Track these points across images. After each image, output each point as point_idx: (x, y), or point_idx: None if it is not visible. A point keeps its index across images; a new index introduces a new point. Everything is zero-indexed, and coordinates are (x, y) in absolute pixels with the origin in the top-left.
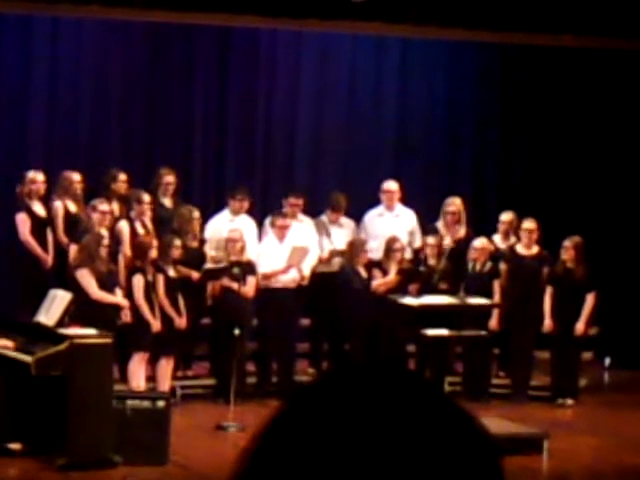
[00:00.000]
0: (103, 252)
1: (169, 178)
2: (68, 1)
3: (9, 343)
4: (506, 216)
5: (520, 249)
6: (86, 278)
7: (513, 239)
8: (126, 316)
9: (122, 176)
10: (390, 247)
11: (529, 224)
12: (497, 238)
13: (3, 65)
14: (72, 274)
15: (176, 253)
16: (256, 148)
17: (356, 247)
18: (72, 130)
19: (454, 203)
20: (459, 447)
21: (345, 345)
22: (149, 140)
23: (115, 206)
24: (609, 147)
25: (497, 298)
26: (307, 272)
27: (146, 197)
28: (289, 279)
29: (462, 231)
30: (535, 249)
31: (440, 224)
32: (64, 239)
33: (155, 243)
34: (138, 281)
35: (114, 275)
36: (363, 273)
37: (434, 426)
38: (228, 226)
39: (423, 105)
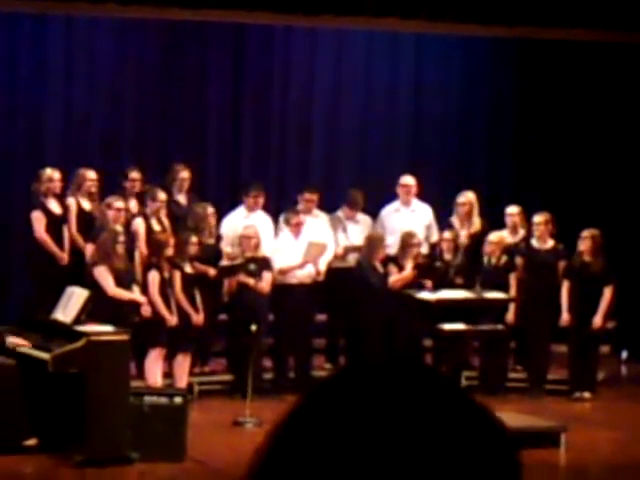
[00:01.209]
0: (120, 249)
1: (184, 174)
2: (83, 0)
3: (25, 342)
4: (512, 209)
5: (535, 243)
6: (103, 275)
7: (522, 232)
8: (146, 312)
9: (134, 174)
10: (406, 242)
11: (538, 218)
12: (505, 232)
13: (19, 64)
14: (89, 271)
15: (193, 250)
16: (271, 144)
17: (375, 242)
18: (88, 128)
19: (466, 196)
20: (476, 442)
21: (362, 340)
22: (164, 137)
23: (132, 203)
24: (624, 140)
25: (513, 292)
26: (323, 268)
27: (162, 195)
28: (305, 275)
29: (476, 225)
30: (550, 243)
31: (454, 218)
32: (77, 236)
33: (171, 240)
34: (153, 277)
35: (131, 272)
36: (380, 268)
37: (451, 421)
38: (243, 222)
39: (438, 100)
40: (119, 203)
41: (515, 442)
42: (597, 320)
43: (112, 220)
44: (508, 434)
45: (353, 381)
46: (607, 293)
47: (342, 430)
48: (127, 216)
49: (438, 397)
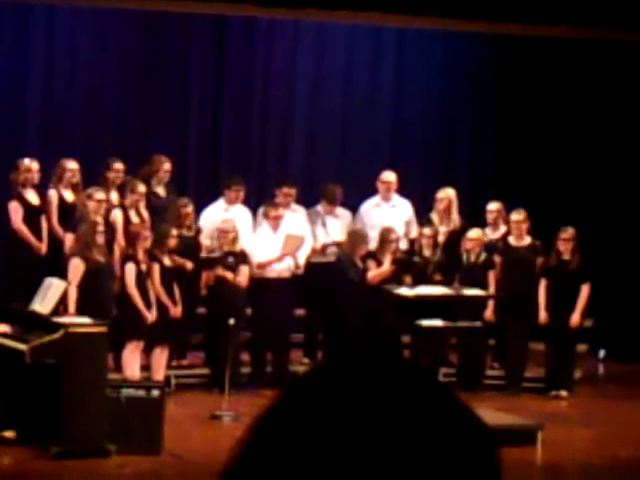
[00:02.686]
0: (99, 240)
1: (166, 166)
2: None
3: (6, 328)
4: (492, 206)
5: (512, 240)
6: (75, 267)
7: (503, 228)
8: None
9: (118, 165)
10: (385, 238)
11: (517, 216)
12: (487, 229)
13: None
14: (67, 262)
15: (172, 242)
16: (252, 138)
17: (357, 238)
18: (68, 118)
19: (445, 192)
20: (456, 435)
21: (340, 335)
22: (144, 129)
23: (113, 195)
24: (603, 139)
25: (492, 289)
26: (302, 261)
27: (141, 187)
28: (283, 268)
29: (455, 221)
30: (527, 240)
31: (433, 214)
32: (58, 228)
33: (146, 232)
34: (130, 270)
35: (110, 264)
36: (359, 264)
37: (430, 414)
38: (223, 215)
39: (419, 96)
40: (100, 194)
41: (495, 436)
42: (574, 318)
43: (92, 211)
44: (488, 429)
45: (332, 375)
46: (584, 291)
47: (322, 425)
48: (107, 207)
49: (418, 391)
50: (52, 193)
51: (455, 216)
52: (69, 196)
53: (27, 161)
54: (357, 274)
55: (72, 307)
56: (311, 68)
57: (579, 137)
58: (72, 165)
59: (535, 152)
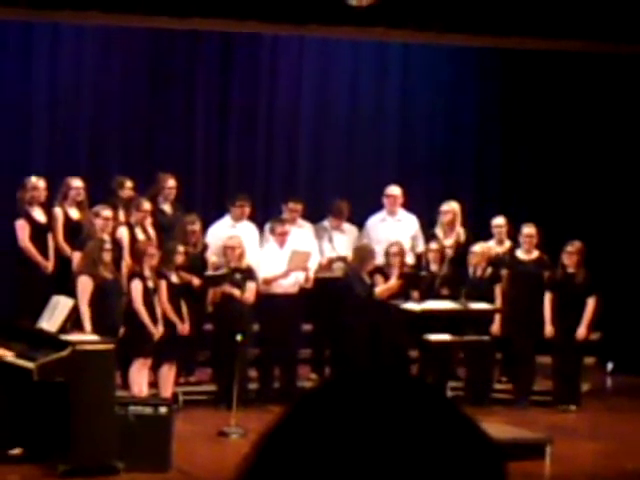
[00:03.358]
0: (107, 257)
1: (171, 183)
2: (69, 7)
3: (7, 353)
4: (498, 220)
5: (520, 254)
6: (84, 286)
7: (508, 243)
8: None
9: (129, 183)
10: (388, 252)
11: (528, 229)
12: (492, 243)
13: (4, 72)
14: (75, 280)
15: (179, 259)
16: (257, 154)
17: (365, 254)
18: (74, 136)
19: (450, 205)
20: (463, 452)
21: (347, 351)
22: (150, 146)
23: (121, 213)
24: (609, 151)
25: (498, 303)
26: (312, 275)
27: (146, 204)
28: (290, 284)
29: (460, 235)
30: (535, 254)
31: (438, 228)
32: (64, 245)
33: (153, 249)
34: (136, 286)
35: (118, 281)
36: (367, 279)
37: (438, 431)
38: (229, 232)
39: (425, 111)
40: (107, 212)
41: (502, 453)
42: (581, 331)
43: (100, 229)
44: (495, 445)
45: (340, 392)
46: (590, 304)
47: (329, 441)
48: (115, 225)
49: (425, 408)
50: (57, 211)
51: (459, 229)
52: (74, 214)
53: (34, 179)
54: (364, 289)
55: (87, 325)
56: (316, 84)
57: (585, 151)
58: (77, 183)
59: (541, 165)
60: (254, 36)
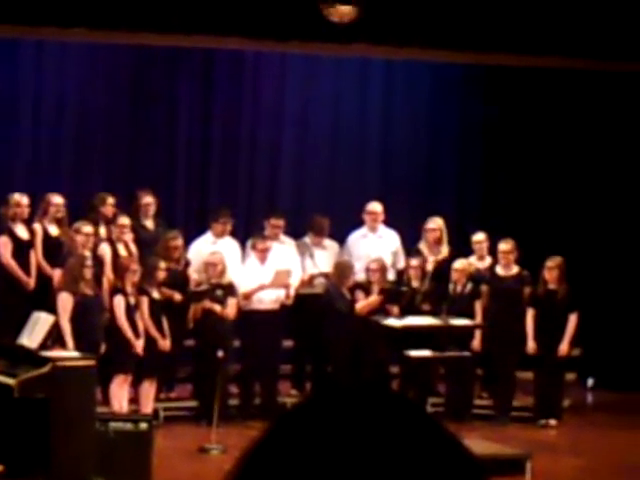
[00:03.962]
0: (87, 274)
1: (147, 199)
2: (53, 24)
3: None
4: (477, 237)
5: (499, 270)
6: (64, 302)
7: (489, 259)
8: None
9: (110, 199)
10: (368, 268)
11: (505, 246)
12: (473, 259)
13: None
14: (56, 297)
15: (161, 275)
16: (239, 170)
17: (345, 270)
18: (56, 153)
19: (436, 222)
20: (445, 469)
21: (328, 367)
22: (132, 163)
23: (102, 229)
24: (589, 167)
25: (479, 319)
26: (292, 292)
27: (123, 219)
28: (272, 300)
29: (444, 251)
30: (515, 269)
31: (422, 244)
32: (43, 262)
33: (135, 265)
34: (119, 302)
35: (99, 298)
36: (347, 295)
37: (420, 448)
38: (211, 248)
39: (406, 127)
40: (88, 228)
41: (484, 469)
42: (562, 347)
43: (80, 245)
44: (477, 461)
45: (321, 408)
46: (572, 320)
47: (310, 458)
48: (95, 241)
49: (406, 424)
50: (37, 227)
51: (445, 247)
52: (54, 230)
53: (17, 196)
54: (345, 305)
55: (69, 341)
56: (298, 100)
57: (566, 167)
58: (57, 200)
59: (522, 182)
60: (236, 53)
